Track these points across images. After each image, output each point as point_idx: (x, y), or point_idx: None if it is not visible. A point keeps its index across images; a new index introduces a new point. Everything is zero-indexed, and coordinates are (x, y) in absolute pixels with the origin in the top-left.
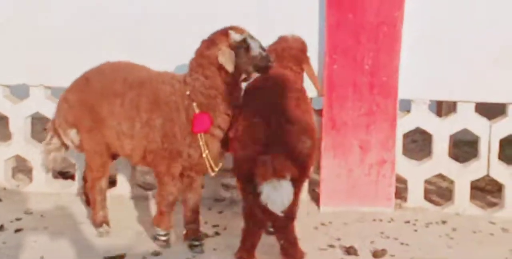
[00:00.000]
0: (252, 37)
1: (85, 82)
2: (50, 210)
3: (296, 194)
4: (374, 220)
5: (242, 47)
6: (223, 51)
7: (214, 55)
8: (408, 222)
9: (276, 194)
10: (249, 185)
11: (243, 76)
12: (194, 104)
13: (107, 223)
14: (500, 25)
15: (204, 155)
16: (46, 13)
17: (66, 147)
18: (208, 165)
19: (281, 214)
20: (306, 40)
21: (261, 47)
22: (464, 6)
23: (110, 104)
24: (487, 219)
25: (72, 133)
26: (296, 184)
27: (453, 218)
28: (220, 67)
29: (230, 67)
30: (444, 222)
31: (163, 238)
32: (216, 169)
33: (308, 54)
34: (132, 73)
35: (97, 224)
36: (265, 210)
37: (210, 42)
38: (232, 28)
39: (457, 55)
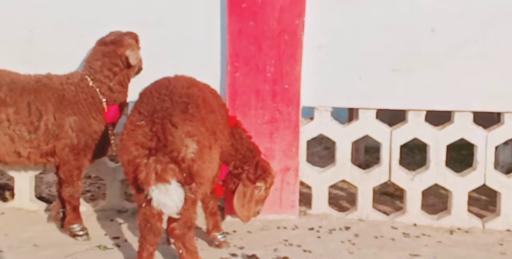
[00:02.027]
0: None
1: None
2: None
3: (193, 200)
4: (279, 227)
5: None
6: (134, 50)
7: (124, 53)
8: (312, 229)
9: (166, 198)
10: (141, 191)
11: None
12: (103, 99)
13: None
14: (399, 33)
15: (112, 142)
16: None
17: None
18: (114, 149)
19: (177, 217)
20: (208, 48)
21: None
22: (364, 14)
23: None
24: (389, 224)
25: None
26: (190, 190)
27: (357, 224)
28: (126, 66)
29: (133, 61)
30: (347, 228)
31: (82, 232)
32: (114, 149)
33: (209, 61)
34: (9, 79)
35: None
36: (160, 217)
37: (119, 43)
38: (136, 34)
39: (358, 63)
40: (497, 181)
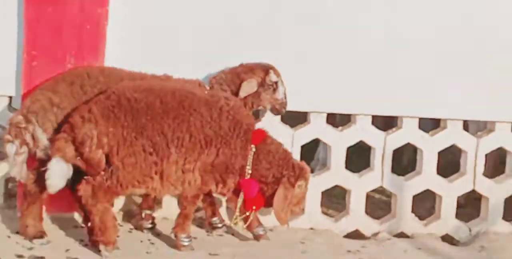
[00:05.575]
0: (282, 83)
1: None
2: None
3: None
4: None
5: (272, 87)
6: (250, 81)
7: (245, 79)
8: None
9: (50, 171)
10: None
11: (259, 107)
12: None
13: None
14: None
15: None
16: None
17: None
18: None
19: (52, 192)
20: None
21: (285, 94)
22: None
23: None
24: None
25: None
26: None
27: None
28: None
29: (241, 93)
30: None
31: None
32: None
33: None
34: (128, 73)
35: None
36: None
37: (250, 70)
38: (273, 68)
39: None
40: None
